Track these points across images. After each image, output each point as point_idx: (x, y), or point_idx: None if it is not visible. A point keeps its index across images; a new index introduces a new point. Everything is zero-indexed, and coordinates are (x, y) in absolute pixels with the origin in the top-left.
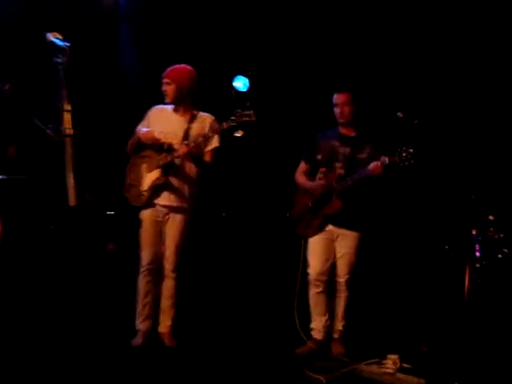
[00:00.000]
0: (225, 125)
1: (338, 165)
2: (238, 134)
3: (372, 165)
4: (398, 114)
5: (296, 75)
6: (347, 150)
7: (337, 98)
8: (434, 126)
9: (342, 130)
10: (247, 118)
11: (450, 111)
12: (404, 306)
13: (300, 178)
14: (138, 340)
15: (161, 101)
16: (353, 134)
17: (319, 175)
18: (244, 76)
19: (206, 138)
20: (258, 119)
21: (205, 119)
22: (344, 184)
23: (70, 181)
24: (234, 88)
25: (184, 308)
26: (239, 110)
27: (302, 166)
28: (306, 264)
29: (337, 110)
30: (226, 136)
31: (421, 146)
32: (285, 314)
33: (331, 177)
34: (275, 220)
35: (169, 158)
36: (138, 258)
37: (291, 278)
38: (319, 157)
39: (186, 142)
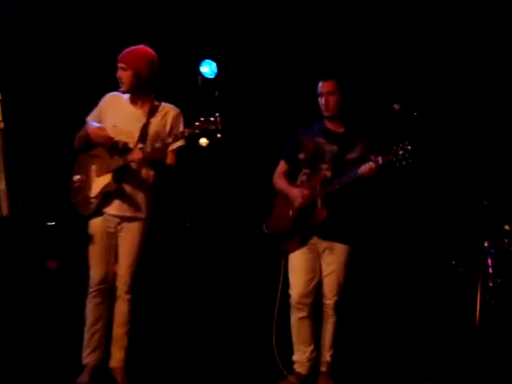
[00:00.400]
0: (186, 131)
1: (324, 166)
2: (203, 144)
3: (364, 166)
4: (395, 105)
5: (274, 60)
6: (334, 148)
7: (321, 86)
8: (436, 120)
9: (329, 125)
10: (213, 127)
11: (455, 102)
12: (404, 332)
13: (279, 180)
14: (84, 377)
15: (116, 89)
16: (341, 130)
17: (302, 177)
18: (212, 60)
19: (167, 144)
20: (225, 126)
21: (167, 112)
22: (330, 188)
23: (1, 185)
24: (200, 74)
25: (141, 337)
26: (204, 116)
27: (282, 166)
28: (286, 284)
29: (321, 101)
30: (189, 144)
31: (421, 143)
32: (262, 344)
33: (316, 180)
34: (249, 231)
35: (121, 162)
36: (85, 277)
37: (269, 301)
38: (301, 156)
39: (140, 145)
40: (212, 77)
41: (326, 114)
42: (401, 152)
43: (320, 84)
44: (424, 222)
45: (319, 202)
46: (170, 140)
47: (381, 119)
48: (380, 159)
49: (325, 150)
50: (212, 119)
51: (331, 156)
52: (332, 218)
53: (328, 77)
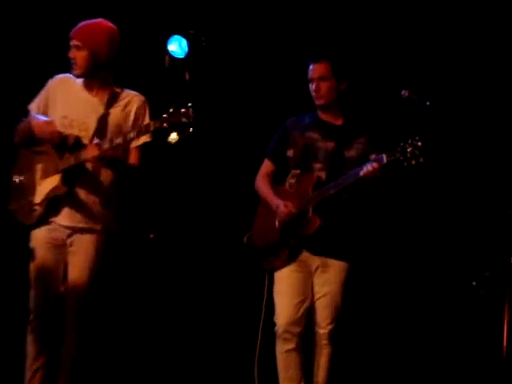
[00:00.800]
0: (153, 125)
1: (317, 165)
2: (172, 140)
3: (365, 166)
4: (403, 92)
5: (257, 36)
6: (330, 144)
7: (312, 70)
8: (452, 110)
9: (323, 116)
10: (184, 120)
11: (477, 89)
12: (413, 367)
13: (262, 183)
14: None
15: (67, 70)
16: (338, 122)
17: (290, 180)
18: (182, 37)
19: (128, 140)
20: (198, 119)
21: (130, 101)
22: (325, 192)
23: None
24: (167, 53)
25: (95, 374)
26: (173, 107)
27: (266, 166)
28: (271, 309)
29: (312, 88)
30: (156, 140)
31: (434, 138)
32: (242, 381)
33: (307, 182)
34: (227, 245)
35: (73, 161)
36: (25, 301)
37: (250, 330)
38: (290, 153)
39: (97, 141)
40: (182, 56)
41: (317, 102)
42: (410, 149)
43: (310, 67)
44: (438, 235)
45: (311, 208)
46: (133, 135)
47: (386, 109)
48: (384, 158)
49: (318, 147)
50: (183, 110)
51: (326, 154)
52: (326, 229)
53: (320, 58)
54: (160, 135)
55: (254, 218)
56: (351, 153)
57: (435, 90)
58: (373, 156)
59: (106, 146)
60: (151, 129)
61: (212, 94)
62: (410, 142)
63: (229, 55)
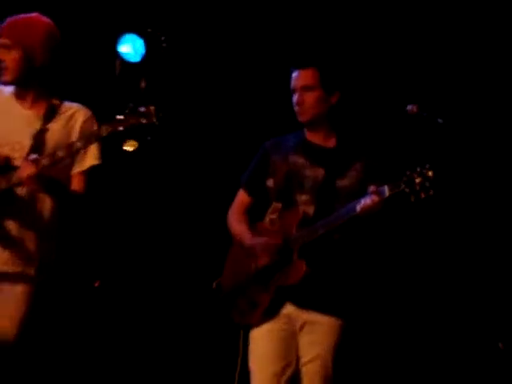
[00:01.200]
0: (105, 130)
1: (303, 197)
2: (129, 147)
3: (363, 200)
4: (410, 107)
5: (228, 36)
6: (319, 171)
7: (295, 77)
8: (469, 130)
9: (311, 137)
10: (144, 121)
11: (498, 102)
12: None
13: (236, 219)
14: None
15: None
16: (330, 144)
17: (271, 215)
18: (137, 36)
19: (74, 151)
20: (162, 120)
21: (73, 115)
22: (313, 232)
23: None
24: (119, 56)
25: None
26: (131, 107)
27: (242, 198)
28: (246, 375)
29: (294, 100)
30: (108, 148)
31: (448, 165)
32: None
33: (291, 219)
34: (191, 295)
35: (3, 185)
36: None
37: None
38: (270, 183)
39: (34, 156)
40: (137, 60)
41: (300, 119)
42: (418, 180)
43: (293, 75)
44: (451, 284)
45: (296, 252)
46: (80, 144)
47: (388, 128)
48: (387, 190)
49: (305, 175)
50: (143, 110)
51: (314, 183)
52: (314, 277)
53: (304, 64)
54: (114, 142)
55: (226, 260)
56: (344, 182)
57: (449, 104)
58: (372, 187)
59: (45, 161)
60: (103, 134)
61: (173, 105)
62: (418, 170)
63: (194, 58)
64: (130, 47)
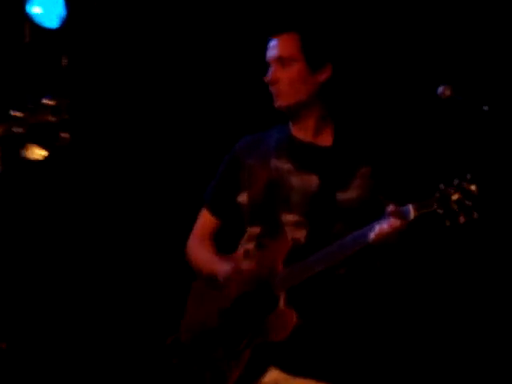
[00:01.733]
0: None
1: (291, 218)
2: (36, 156)
3: (379, 225)
4: (441, 89)
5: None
6: (312, 180)
7: (270, 47)
8: None
9: (298, 132)
10: (53, 118)
11: None
12: None
13: (197, 248)
14: None
15: None
16: (324, 142)
17: (246, 244)
18: None
19: None
20: (86, 99)
21: None
22: (306, 270)
23: None
24: (28, 19)
25: None
26: (35, 100)
27: (205, 220)
28: None
29: (268, 78)
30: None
31: (496, 173)
32: None
33: (276, 250)
34: (138, 354)
35: None
36: None
37: None
38: (243, 198)
39: None
40: (54, 26)
41: (277, 104)
42: (456, 197)
43: (269, 45)
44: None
45: (282, 296)
46: None
47: (408, 119)
48: (411, 210)
49: (291, 186)
50: (51, 103)
51: (305, 197)
52: (309, 330)
53: (282, 28)
54: (11, 151)
55: (186, 306)
56: (348, 195)
57: (493, 85)
58: (392, 207)
59: None
60: None
61: (103, 85)
62: (455, 183)
63: (133, 25)
64: (44, 8)
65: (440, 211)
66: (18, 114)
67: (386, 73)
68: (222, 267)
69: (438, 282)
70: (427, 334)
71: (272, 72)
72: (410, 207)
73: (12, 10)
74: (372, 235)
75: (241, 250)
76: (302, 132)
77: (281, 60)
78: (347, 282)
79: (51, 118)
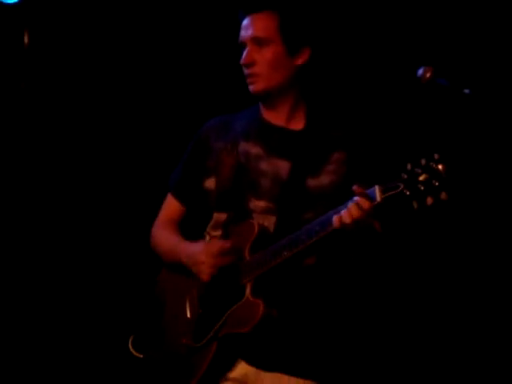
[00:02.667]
0: None
1: (260, 204)
2: None
3: (345, 208)
4: (421, 71)
5: None
6: (282, 165)
7: (245, 26)
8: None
9: (270, 116)
10: None
11: None
12: None
13: (163, 234)
14: None
15: None
16: (297, 126)
17: (212, 231)
18: None
19: None
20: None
21: None
22: (273, 257)
23: None
24: None
25: None
26: None
27: (170, 206)
28: None
29: (243, 59)
30: None
31: (469, 156)
32: None
33: (242, 236)
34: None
35: None
36: None
37: None
38: (211, 183)
39: None
40: (13, 1)
41: (252, 88)
42: (423, 177)
43: (243, 24)
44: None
45: (249, 286)
46: None
47: (383, 102)
48: (377, 192)
49: (261, 170)
50: None
51: (275, 183)
52: (277, 323)
53: (258, 6)
54: None
55: (152, 301)
56: (320, 180)
57: (472, 70)
58: (356, 188)
59: None
60: None
61: (67, 66)
62: (423, 163)
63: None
64: None
65: (407, 193)
66: None
67: (363, 55)
68: (186, 250)
69: (409, 270)
70: (393, 324)
71: (247, 53)
72: (376, 189)
73: None
74: (335, 219)
75: (206, 237)
76: (273, 115)
77: (257, 40)
78: (316, 272)
79: None
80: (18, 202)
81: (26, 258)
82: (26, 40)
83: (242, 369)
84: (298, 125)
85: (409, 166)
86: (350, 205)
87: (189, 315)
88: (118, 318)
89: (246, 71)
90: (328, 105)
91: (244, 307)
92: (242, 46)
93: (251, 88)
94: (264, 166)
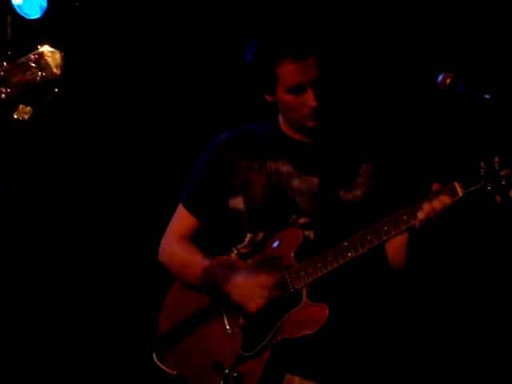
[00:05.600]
0: None
1: (299, 220)
2: (23, 114)
3: (427, 205)
4: (441, 77)
5: None
6: (315, 181)
7: (300, 70)
8: None
9: (289, 130)
10: (38, 75)
11: None
12: None
13: (182, 250)
14: None
15: None
16: (321, 141)
17: (243, 248)
18: None
19: None
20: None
21: None
22: (335, 260)
23: None
24: (10, 9)
25: None
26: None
27: (184, 220)
28: None
29: (307, 99)
30: None
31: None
32: None
33: (285, 244)
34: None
35: None
36: None
37: None
38: (237, 202)
39: None
40: (37, 16)
41: (314, 124)
42: (504, 172)
43: (293, 67)
44: None
45: (304, 290)
46: None
47: (404, 110)
48: (458, 188)
49: (296, 188)
50: (34, 57)
51: (311, 199)
52: (333, 331)
53: (305, 52)
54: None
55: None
56: (355, 193)
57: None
58: (436, 186)
59: None
60: None
61: (89, 80)
62: (498, 161)
63: (121, 15)
64: None
65: (488, 186)
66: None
67: (383, 65)
68: (228, 279)
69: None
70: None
71: (317, 95)
72: (455, 184)
73: None
74: (421, 214)
75: (233, 252)
76: (291, 129)
77: (317, 82)
78: (370, 274)
79: (38, 75)
80: (25, 206)
81: (33, 262)
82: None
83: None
84: (321, 139)
85: (483, 164)
86: (434, 200)
87: (229, 327)
88: (125, 322)
89: (308, 111)
90: (348, 115)
91: (303, 311)
92: (297, 88)
93: (314, 124)
94: (297, 183)
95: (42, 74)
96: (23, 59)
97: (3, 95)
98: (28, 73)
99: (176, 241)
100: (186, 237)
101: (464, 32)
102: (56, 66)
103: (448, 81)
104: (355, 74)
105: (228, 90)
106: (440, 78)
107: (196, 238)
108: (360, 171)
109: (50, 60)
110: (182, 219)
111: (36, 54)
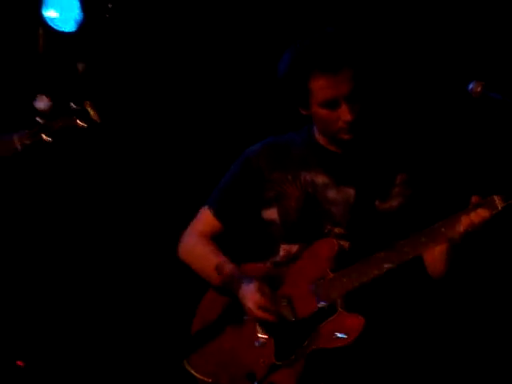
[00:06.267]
0: (19, 141)
1: (335, 230)
2: None
3: (467, 218)
4: (472, 86)
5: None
6: (350, 192)
7: (333, 84)
8: None
9: (324, 140)
10: (80, 123)
11: None
12: None
13: (205, 248)
14: None
15: None
16: (355, 150)
17: (280, 259)
18: None
19: None
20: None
21: None
22: (371, 271)
23: None
24: (42, 23)
25: None
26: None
27: (208, 222)
28: None
29: (333, 116)
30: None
31: None
32: None
33: (320, 254)
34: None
35: None
36: None
37: None
38: (271, 214)
39: None
40: (70, 30)
41: (348, 137)
42: None
43: (319, 81)
44: None
45: (339, 300)
46: None
47: (436, 119)
48: (497, 201)
49: (332, 199)
50: (75, 108)
51: (347, 210)
52: (369, 340)
53: (337, 66)
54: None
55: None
56: (391, 204)
57: None
58: (476, 198)
59: None
60: (18, 148)
61: (121, 93)
62: None
63: (151, 29)
64: (60, 12)
65: None
66: (42, 120)
67: (415, 74)
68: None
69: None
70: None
71: (352, 110)
72: (495, 198)
73: (27, 13)
74: (461, 227)
75: (269, 261)
76: (325, 140)
77: (351, 95)
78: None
79: (79, 123)
80: (30, 207)
81: (39, 265)
82: (80, 66)
83: None
84: (355, 148)
85: None
86: (473, 213)
87: (261, 335)
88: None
89: (343, 125)
90: (383, 125)
91: (338, 321)
92: (331, 103)
93: (349, 137)
94: (333, 194)
95: (81, 123)
96: (65, 108)
97: (45, 137)
98: (69, 119)
99: (198, 239)
100: (208, 237)
101: (494, 41)
102: (95, 115)
103: (479, 88)
104: (388, 84)
105: (261, 98)
106: (471, 86)
107: (227, 249)
108: (396, 181)
109: (90, 110)
110: (206, 220)
111: (77, 103)
